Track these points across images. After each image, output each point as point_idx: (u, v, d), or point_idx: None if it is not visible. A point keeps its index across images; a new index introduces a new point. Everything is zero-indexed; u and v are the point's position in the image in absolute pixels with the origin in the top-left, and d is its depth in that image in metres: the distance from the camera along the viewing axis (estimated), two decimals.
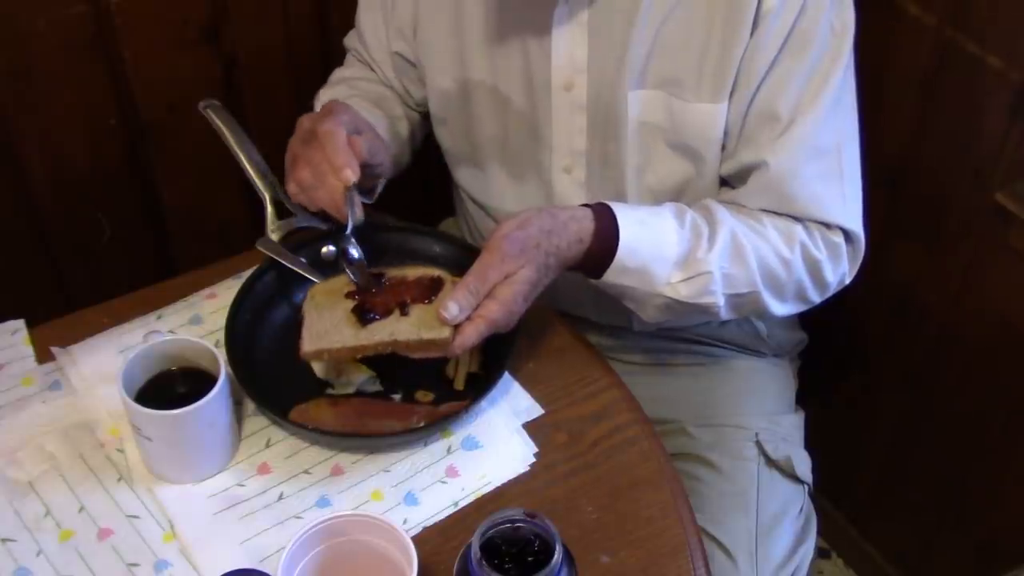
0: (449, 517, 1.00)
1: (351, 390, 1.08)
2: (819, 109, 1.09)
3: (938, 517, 1.64)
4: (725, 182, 1.18)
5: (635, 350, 1.35)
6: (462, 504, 1.01)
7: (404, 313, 1.04)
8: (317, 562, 0.89)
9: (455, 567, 0.87)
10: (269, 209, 1.14)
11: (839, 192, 1.13)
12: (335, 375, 1.08)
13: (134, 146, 1.46)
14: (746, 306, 1.13)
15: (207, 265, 1.22)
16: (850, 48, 1.10)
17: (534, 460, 1.04)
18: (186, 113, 1.37)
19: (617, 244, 1.05)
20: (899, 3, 1.34)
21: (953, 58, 1.31)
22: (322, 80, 1.34)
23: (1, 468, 1.01)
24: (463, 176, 1.32)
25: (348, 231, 1.08)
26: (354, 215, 1.07)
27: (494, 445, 1.05)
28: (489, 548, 0.84)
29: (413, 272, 1.10)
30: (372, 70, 1.32)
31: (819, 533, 1.33)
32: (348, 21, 1.34)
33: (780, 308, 1.15)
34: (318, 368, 1.09)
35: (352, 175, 1.04)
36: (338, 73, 1.34)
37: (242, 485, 1.01)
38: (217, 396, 0.96)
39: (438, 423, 1.04)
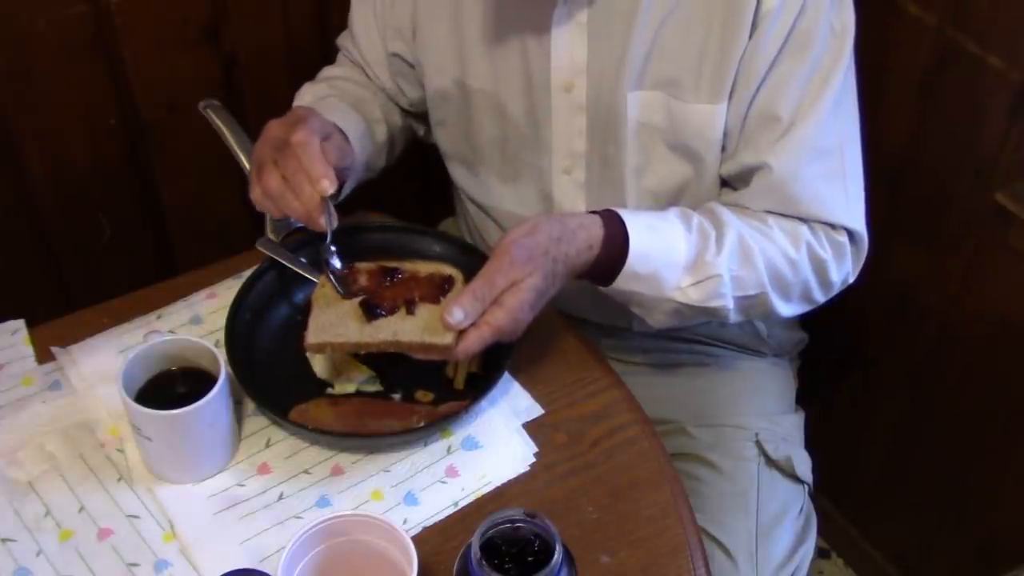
0: (449, 517, 1.00)
1: (351, 390, 1.08)
2: (821, 110, 1.09)
3: (938, 517, 1.64)
4: (725, 183, 1.18)
5: (635, 350, 1.35)
6: (462, 504, 1.01)
7: (411, 312, 1.04)
8: (317, 562, 0.89)
9: (455, 567, 0.87)
10: None
11: (842, 192, 1.13)
12: (335, 374, 1.08)
13: (134, 146, 1.46)
14: (754, 308, 1.13)
15: (207, 265, 1.22)
16: (850, 48, 1.10)
17: (534, 460, 1.04)
18: (186, 113, 1.37)
19: (627, 250, 1.05)
20: (899, 3, 1.34)
21: (953, 58, 1.31)
22: None
23: (1, 468, 1.01)
24: (462, 177, 1.32)
25: (328, 240, 1.07)
26: (331, 224, 1.06)
27: (494, 445, 1.05)
28: (489, 548, 0.84)
29: (426, 268, 1.09)
30: (362, 70, 1.31)
31: (819, 533, 1.33)
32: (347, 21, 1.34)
33: (786, 309, 1.15)
34: (318, 368, 1.09)
35: (330, 186, 1.03)
36: (326, 71, 1.33)
37: (242, 485, 1.01)
38: (217, 396, 0.96)
39: (438, 423, 1.04)
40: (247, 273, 1.15)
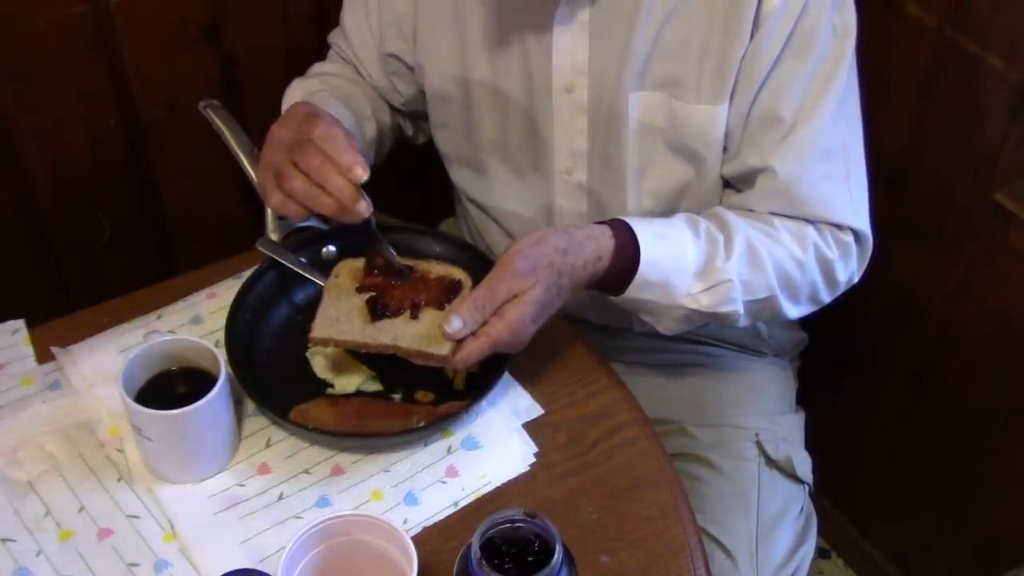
0: (449, 517, 1.00)
1: (351, 390, 1.08)
2: (824, 112, 1.09)
3: (938, 517, 1.64)
4: (727, 184, 1.18)
5: (635, 350, 1.35)
6: (462, 504, 1.01)
7: (414, 316, 1.04)
8: (317, 562, 0.89)
9: (455, 567, 0.87)
10: (269, 209, 1.14)
11: (846, 192, 1.13)
12: (335, 374, 1.08)
13: (134, 146, 1.46)
14: (764, 311, 1.13)
15: (207, 265, 1.22)
16: (852, 49, 1.10)
17: (534, 460, 1.04)
18: (186, 113, 1.37)
19: (638, 259, 1.04)
20: (899, 3, 1.34)
21: (953, 58, 1.31)
22: None
23: (1, 468, 1.01)
24: (463, 179, 1.31)
25: (374, 227, 1.06)
26: (371, 209, 1.04)
27: (494, 445, 1.05)
28: (489, 548, 0.84)
29: (438, 269, 1.09)
30: (354, 67, 1.31)
31: (819, 533, 1.33)
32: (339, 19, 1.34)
33: (794, 311, 1.15)
34: (318, 367, 1.09)
35: (363, 172, 1.00)
36: (316, 67, 1.33)
37: (242, 485, 1.01)
38: (217, 396, 0.96)
39: (438, 423, 1.04)
40: (247, 273, 1.15)
